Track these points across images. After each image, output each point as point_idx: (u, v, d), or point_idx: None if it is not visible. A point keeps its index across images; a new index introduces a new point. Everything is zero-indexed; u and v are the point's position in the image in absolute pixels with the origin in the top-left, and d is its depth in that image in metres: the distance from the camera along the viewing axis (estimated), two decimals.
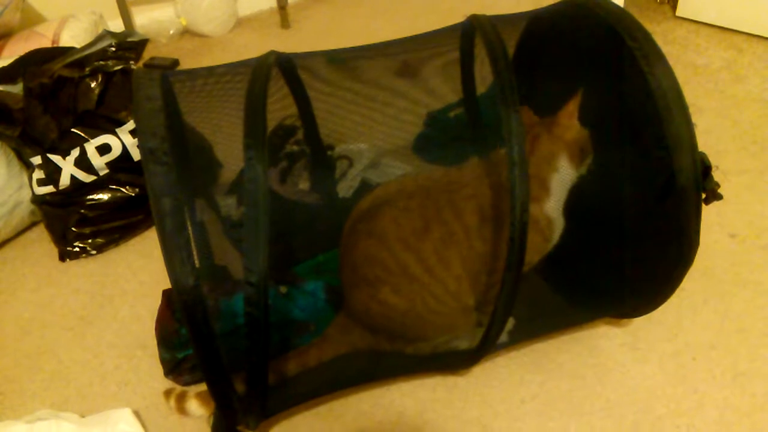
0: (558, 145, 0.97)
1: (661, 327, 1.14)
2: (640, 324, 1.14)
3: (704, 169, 0.81)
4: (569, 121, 0.96)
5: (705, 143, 0.83)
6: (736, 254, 1.28)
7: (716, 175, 0.87)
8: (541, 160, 0.96)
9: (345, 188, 1.31)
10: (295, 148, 1.30)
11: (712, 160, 0.91)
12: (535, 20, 1.04)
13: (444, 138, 1.30)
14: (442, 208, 0.95)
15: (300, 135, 1.25)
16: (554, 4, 1.00)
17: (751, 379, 1.04)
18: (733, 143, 1.59)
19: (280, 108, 1.13)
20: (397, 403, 1.05)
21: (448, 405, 1.04)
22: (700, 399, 1.02)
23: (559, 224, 0.99)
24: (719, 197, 0.85)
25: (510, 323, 1.01)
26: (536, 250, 0.98)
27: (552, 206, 0.97)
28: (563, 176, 0.98)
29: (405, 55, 1.15)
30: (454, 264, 0.94)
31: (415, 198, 0.97)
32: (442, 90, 1.22)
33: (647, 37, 0.84)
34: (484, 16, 0.89)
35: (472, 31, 1.03)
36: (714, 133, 1.63)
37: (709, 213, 0.83)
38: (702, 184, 0.82)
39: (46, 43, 1.80)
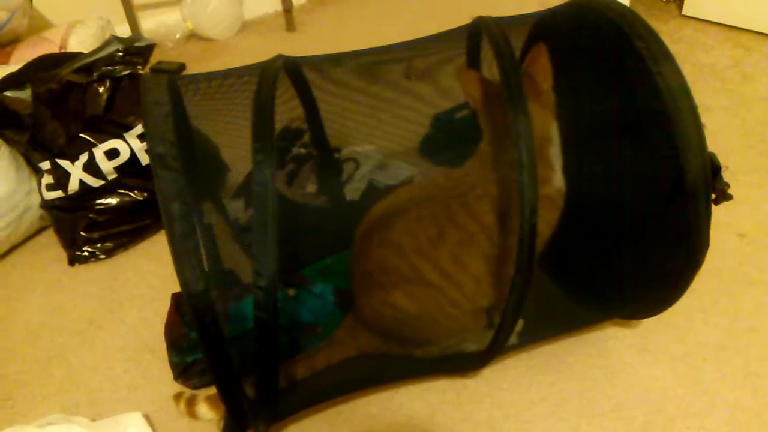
0: (548, 116, 0.97)
1: (671, 328, 1.13)
2: (649, 325, 1.13)
3: (714, 169, 0.81)
4: (549, 84, 0.96)
5: (713, 142, 0.83)
6: (745, 254, 1.27)
7: (726, 175, 0.87)
8: (540, 140, 0.96)
9: (352, 190, 1.32)
10: (302, 150, 1.30)
11: (720, 159, 0.90)
12: (541, 21, 1.04)
13: (450, 139, 1.30)
14: (455, 213, 0.95)
15: (307, 138, 1.26)
16: (561, 5, 1.00)
17: (763, 379, 1.04)
18: (741, 142, 1.58)
19: (287, 110, 1.13)
20: (405, 406, 1.05)
21: (457, 407, 1.04)
22: (711, 400, 1.01)
23: (563, 185, 0.99)
24: (729, 197, 0.84)
25: (519, 325, 1.01)
26: (553, 224, 0.99)
27: (559, 177, 0.98)
28: (557, 141, 0.98)
29: (411, 57, 1.15)
30: (473, 264, 0.94)
31: (425, 206, 0.97)
32: (448, 91, 1.22)
33: (655, 37, 0.84)
34: (491, 18, 0.89)
35: (479, 33, 1.03)
36: (722, 132, 1.62)
37: (717, 212, 0.83)
38: (712, 184, 0.81)
39: (53, 49, 1.81)
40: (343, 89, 1.16)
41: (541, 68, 0.96)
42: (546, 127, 0.97)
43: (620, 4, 0.90)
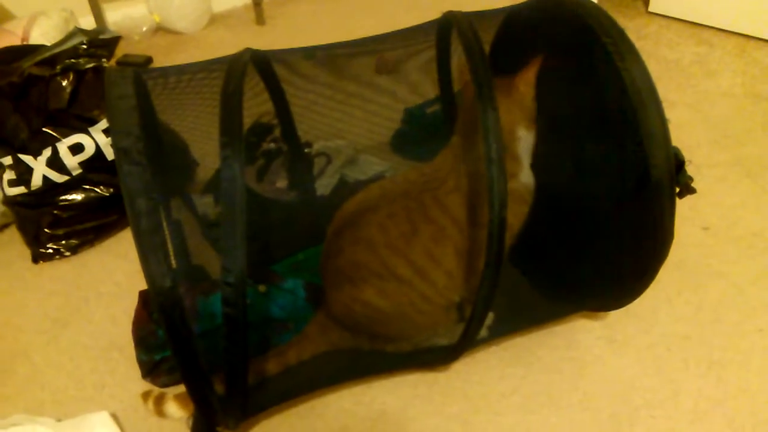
0: (516, 114, 0.98)
1: (637, 319, 1.15)
2: (616, 317, 1.15)
3: (678, 163, 0.82)
4: (527, 89, 0.97)
5: (677, 137, 0.84)
6: (708, 246, 1.30)
7: (689, 170, 0.89)
8: (505, 133, 0.97)
9: (323, 186, 1.31)
10: (273, 145, 1.29)
11: (684, 153, 0.92)
12: (511, 16, 1.04)
13: (421, 134, 1.30)
14: (428, 207, 0.95)
15: (277, 132, 1.25)
16: (530, 0, 1.01)
17: (726, 368, 1.06)
18: (705, 137, 1.62)
19: (257, 104, 1.12)
20: (378, 401, 1.05)
21: (429, 401, 1.04)
22: (676, 389, 1.04)
23: (532, 181, 1.01)
24: (693, 191, 0.86)
25: (489, 318, 1.02)
26: (522, 218, 1.00)
27: (526, 173, 0.99)
28: (526, 142, 0.99)
29: (382, 52, 1.14)
30: (445, 259, 0.95)
31: (398, 202, 0.97)
32: (420, 86, 1.23)
33: (621, 34, 0.85)
34: (461, 12, 0.89)
35: (449, 28, 1.03)
36: (686, 127, 1.66)
37: (681, 206, 0.85)
38: (676, 178, 0.83)
39: (15, 41, 1.76)
40: (313, 83, 1.15)
41: (527, 75, 0.96)
42: (512, 122, 0.98)
43: (588, 0, 0.91)
